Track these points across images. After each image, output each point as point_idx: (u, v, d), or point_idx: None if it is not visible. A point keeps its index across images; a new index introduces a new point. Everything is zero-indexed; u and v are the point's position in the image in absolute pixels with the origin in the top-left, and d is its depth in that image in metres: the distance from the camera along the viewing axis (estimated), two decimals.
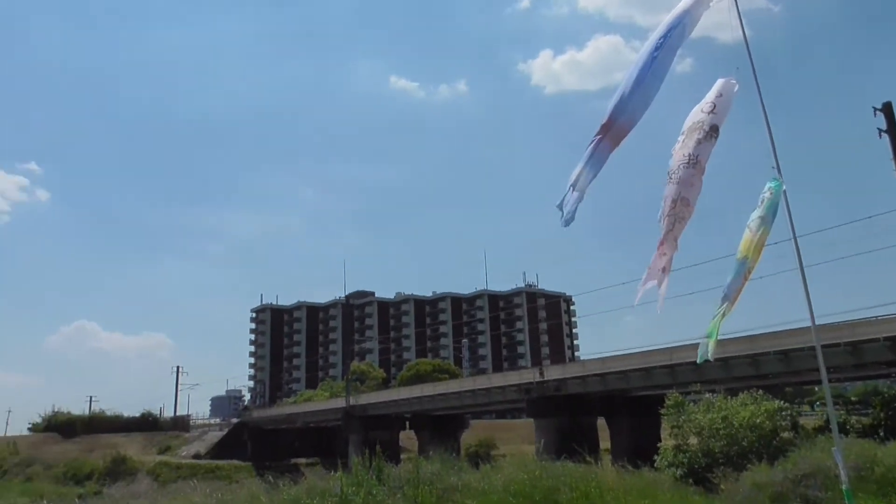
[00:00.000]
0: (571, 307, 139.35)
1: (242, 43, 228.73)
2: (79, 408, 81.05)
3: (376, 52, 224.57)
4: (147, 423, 72.55)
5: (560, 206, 6.96)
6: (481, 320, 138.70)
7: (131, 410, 76.15)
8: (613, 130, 6.86)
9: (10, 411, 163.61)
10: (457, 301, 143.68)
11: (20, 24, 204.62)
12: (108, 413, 75.75)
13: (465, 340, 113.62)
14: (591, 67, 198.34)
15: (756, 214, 7.36)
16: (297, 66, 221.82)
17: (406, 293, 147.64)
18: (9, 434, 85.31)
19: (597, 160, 6.87)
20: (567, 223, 6.94)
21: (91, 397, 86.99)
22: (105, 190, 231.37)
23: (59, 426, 71.02)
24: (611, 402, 38.30)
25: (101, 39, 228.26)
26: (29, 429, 76.10)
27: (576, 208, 6.90)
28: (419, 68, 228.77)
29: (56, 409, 75.23)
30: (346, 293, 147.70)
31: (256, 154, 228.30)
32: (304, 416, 65.45)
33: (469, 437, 56.40)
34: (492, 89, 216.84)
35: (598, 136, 6.90)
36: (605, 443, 37.44)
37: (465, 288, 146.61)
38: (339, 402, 59.01)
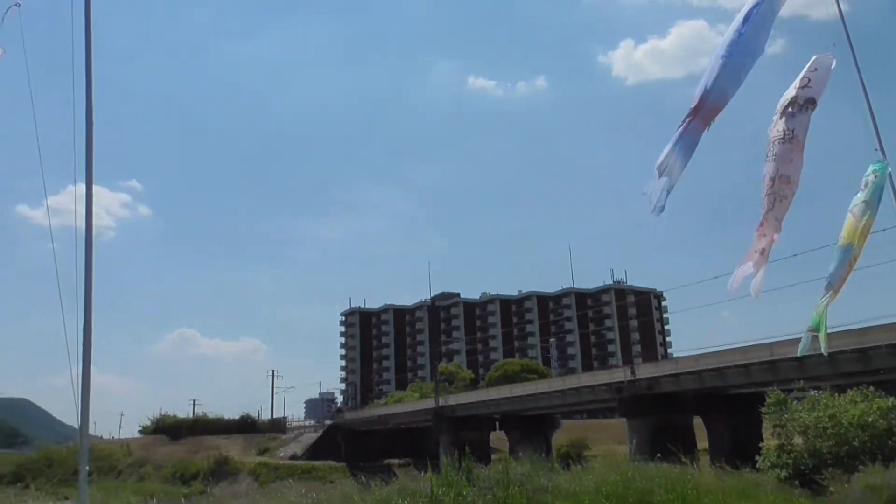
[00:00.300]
0: (662, 303, 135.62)
1: (321, 53, 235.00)
2: (183, 411, 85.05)
3: (453, 54, 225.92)
4: (246, 426, 75.14)
5: (646, 193, 6.69)
6: (569, 319, 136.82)
7: (231, 413, 79.07)
8: (703, 111, 6.52)
9: (122, 415, 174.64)
10: (543, 300, 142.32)
11: (117, 51, 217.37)
12: (210, 416, 78.97)
13: (552, 340, 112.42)
14: (674, 55, 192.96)
15: (859, 199, 6.86)
16: (376, 71, 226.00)
17: (491, 293, 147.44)
18: (122, 436, 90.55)
19: (687, 143, 6.55)
20: (658, 212, 6.65)
21: (194, 401, 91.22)
22: (199, 203, 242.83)
23: (167, 428, 74.44)
24: (707, 401, 36.91)
25: (189, 58, 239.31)
26: (140, 431, 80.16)
27: (667, 196, 6.61)
28: (496, 67, 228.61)
29: (163, 413, 79.05)
30: (432, 295, 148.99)
31: (340, 161, 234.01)
32: (394, 417, 66.20)
33: (560, 437, 55.64)
34: (571, 83, 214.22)
35: (688, 118, 6.59)
36: (702, 443, 36.12)
37: (551, 286, 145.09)
38: (429, 403, 59.28)
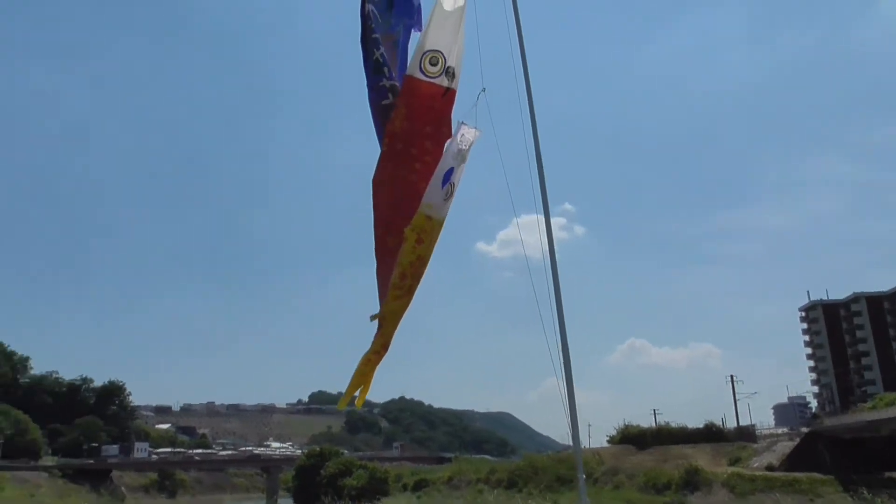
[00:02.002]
0: None
1: (730, 32, 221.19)
2: (642, 420, 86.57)
3: None
4: (711, 434, 72.73)
5: None
6: None
7: (689, 421, 77.55)
8: None
9: (589, 425, 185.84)
10: None
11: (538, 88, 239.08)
12: (672, 425, 78.72)
13: None
14: None
15: None
16: (798, 32, 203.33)
17: None
18: (591, 446, 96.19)
19: None
20: None
21: (655, 410, 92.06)
22: (629, 213, 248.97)
23: (632, 438, 76.31)
24: None
25: (594, 74, 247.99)
26: (607, 441, 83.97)
27: None
28: None
29: (626, 423, 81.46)
30: None
31: (771, 139, 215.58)
32: (889, 422, 56.94)
33: None
34: None
35: None
36: None
37: None
38: None
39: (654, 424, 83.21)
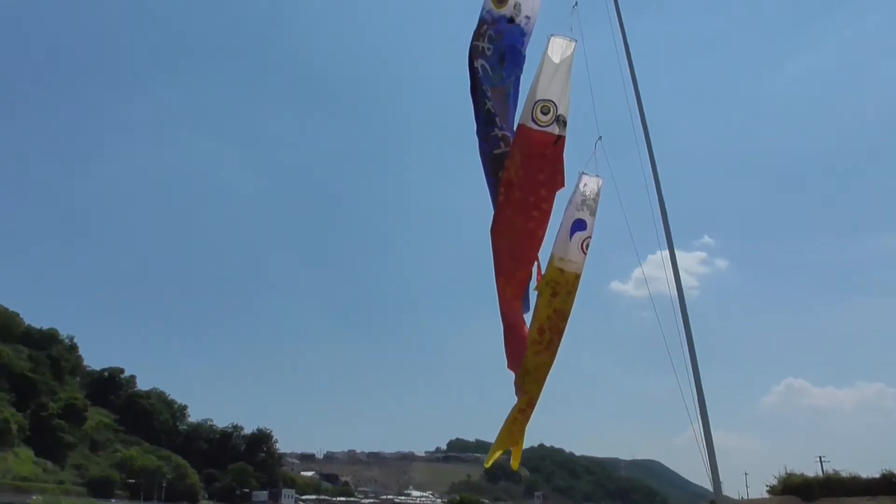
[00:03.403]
0: None
1: (877, 39, 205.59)
2: (805, 468, 78.79)
3: None
4: (891, 486, 65.23)
5: None
6: None
7: (861, 470, 69.50)
8: None
9: (746, 474, 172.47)
10: None
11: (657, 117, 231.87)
12: (843, 474, 71.59)
13: None
14: None
15: None
16: None
17: None
18: (750, 496, 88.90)
19: None
20: None
21: (821, 457, 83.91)
22: (779, 242, 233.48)
23: (795, 488, 69.78)
24: None
25: (717, 100, 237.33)
26: (767, 491, 77.54)
27: None
28: None
29: (788, 471, 74.91)
30: None
31: None
32: None
33: None
34: None
35: None
36: None
37: None
38: None
39: (820, 473, 75.87)
